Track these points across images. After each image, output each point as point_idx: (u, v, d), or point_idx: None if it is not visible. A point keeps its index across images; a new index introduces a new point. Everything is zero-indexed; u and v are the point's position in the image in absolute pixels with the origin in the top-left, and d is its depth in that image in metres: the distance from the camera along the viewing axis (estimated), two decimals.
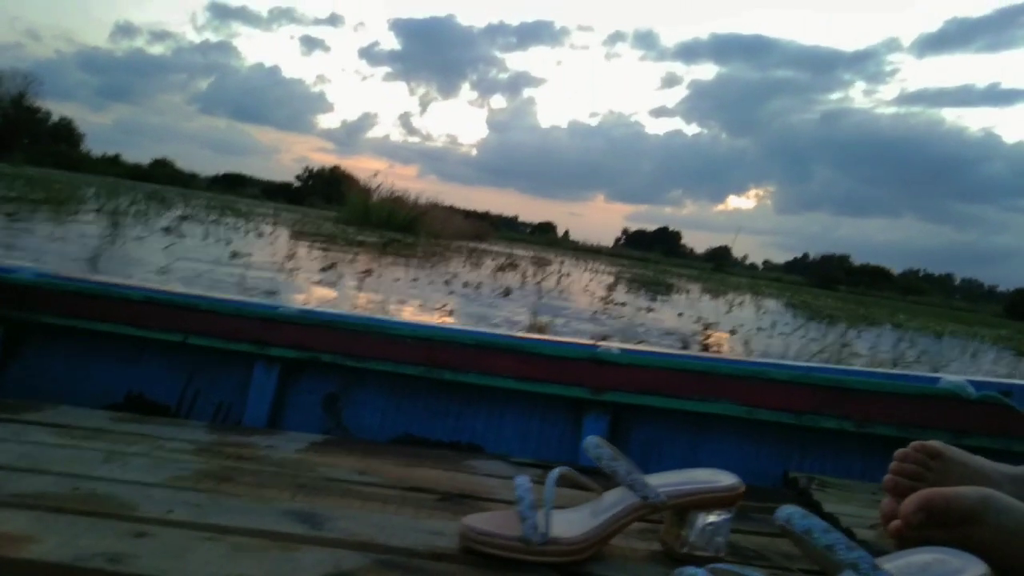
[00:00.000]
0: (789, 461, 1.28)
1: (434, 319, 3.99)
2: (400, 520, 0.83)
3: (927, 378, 1.33)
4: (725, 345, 4.89)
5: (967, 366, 6.13)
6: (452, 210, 23.43)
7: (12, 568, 0.63)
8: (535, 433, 1.34)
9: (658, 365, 1.29)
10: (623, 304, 6.94)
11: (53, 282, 1.37)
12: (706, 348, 4.34)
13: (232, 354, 1.35)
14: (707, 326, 5.72)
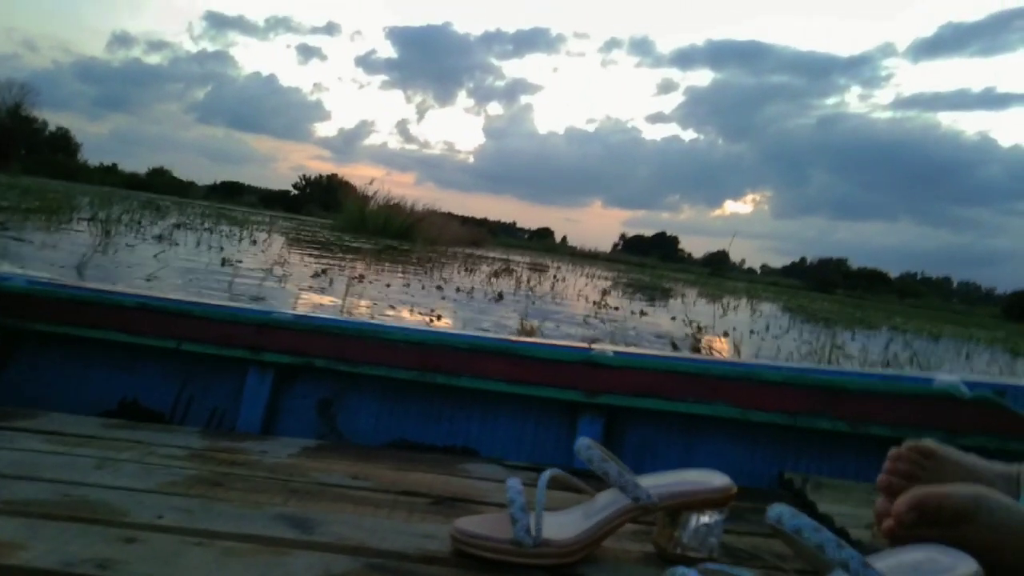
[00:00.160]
0: (784, 462, 1.28)
1: (422, 322, 3.99)
2: (392, 524, 0.82)
3: (921, 378, 1.32)
4: (716, 346, 4.89)
5: (961, 367, 6.13)
6: (449, 216, 23.46)
7: (1, 575, 0.62)
8: (530, 436, 1.33)
9: (652, 367, 1.29)
10: (616, 308, 6.94)
11: (46, 289, 1.37)
12: (696, 350, 4.33)
13: (226, 360, 1.34)
14: (700, 329, 5.71)
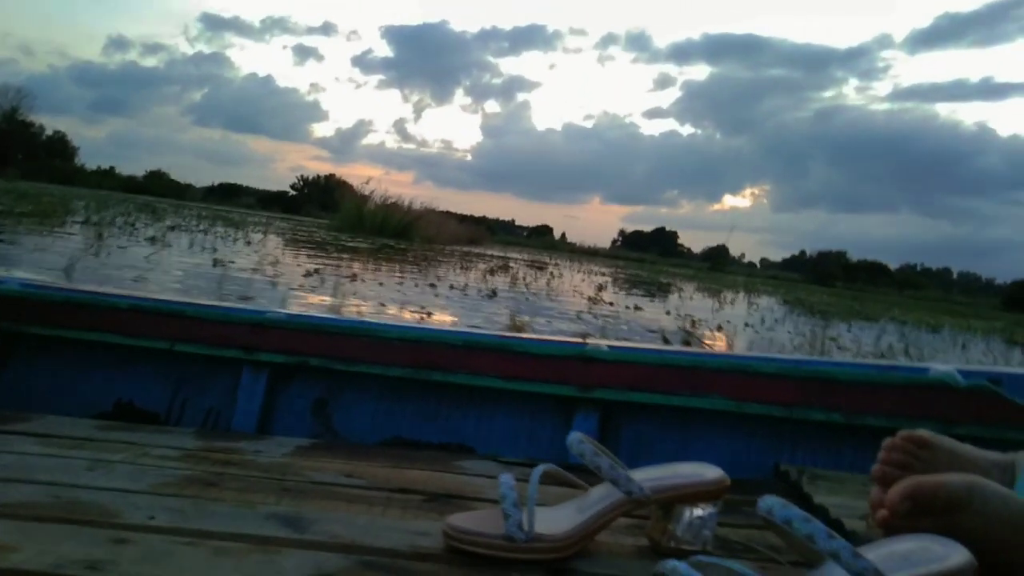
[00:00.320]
0: (780, 454, 1.28)
1: (412, 320, 3.98)
2: (385, 522, 0.82)
3: (916, 368, 1.32)
4: (708, 338, 4.88)
5: (957, 357, 6.13)
6: (447, 215, 23.45)
7: None
8: (525, 432, 1.33)
9: (647, 361, 1.29)
10: (610, 304, 6.94)
11: (40, 293, 1.36)
12: (687, 344, 4.33)
13: (220, 360, 1.34)
14: (693, 323, 5.71)
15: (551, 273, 11.51)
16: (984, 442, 0.98)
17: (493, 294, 6.30)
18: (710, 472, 0.80)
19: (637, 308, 6.91)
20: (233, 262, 6.23)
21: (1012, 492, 0.84)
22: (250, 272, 5.54)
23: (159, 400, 1.37)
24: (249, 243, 9.38)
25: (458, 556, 0.73)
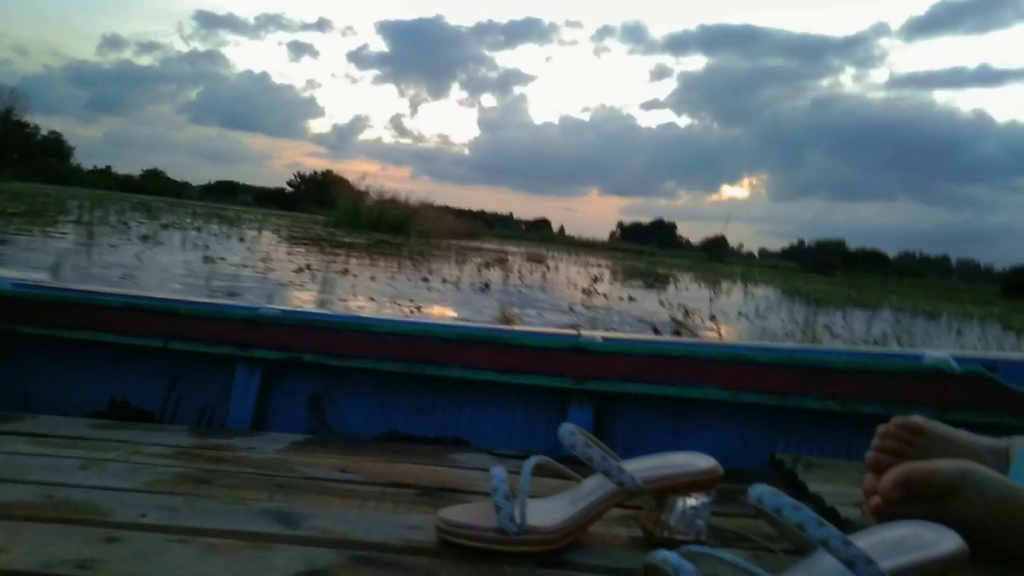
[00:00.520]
0: (775, 443, 1.28)
1: (399, 314, 3.97)
2: (378, 516, 0.82)
3: (910, 355, 1.32)
4: (696, 324, 4.89)
5: (952, 343, 6.14)
6: (445, 209, 23.45)
7: None
8: (520, 425, 1.33)
9: (641, 352, 1.29)
10: (605, 296, 6.94)
11: (33, 292, 1.36)
12: (678, 334, 4.33)
13: (214, 357, 1.34)
14: (687, 313, 5.71)
15: (547, 266, 11.50)
16: (979, 428, 0.98)
17: (486, 287, 6.30)
18: (703, 462, 0.80)
19: (631, 299, 6.91)
20: (224, 259, 6.22)
21: (1006, 478, 0.84)
22: (241, 268, 5.54)
23: (154, 398, 1.36)
24: (243, 240, 9.36)
25: (450, 550, 0.73)
